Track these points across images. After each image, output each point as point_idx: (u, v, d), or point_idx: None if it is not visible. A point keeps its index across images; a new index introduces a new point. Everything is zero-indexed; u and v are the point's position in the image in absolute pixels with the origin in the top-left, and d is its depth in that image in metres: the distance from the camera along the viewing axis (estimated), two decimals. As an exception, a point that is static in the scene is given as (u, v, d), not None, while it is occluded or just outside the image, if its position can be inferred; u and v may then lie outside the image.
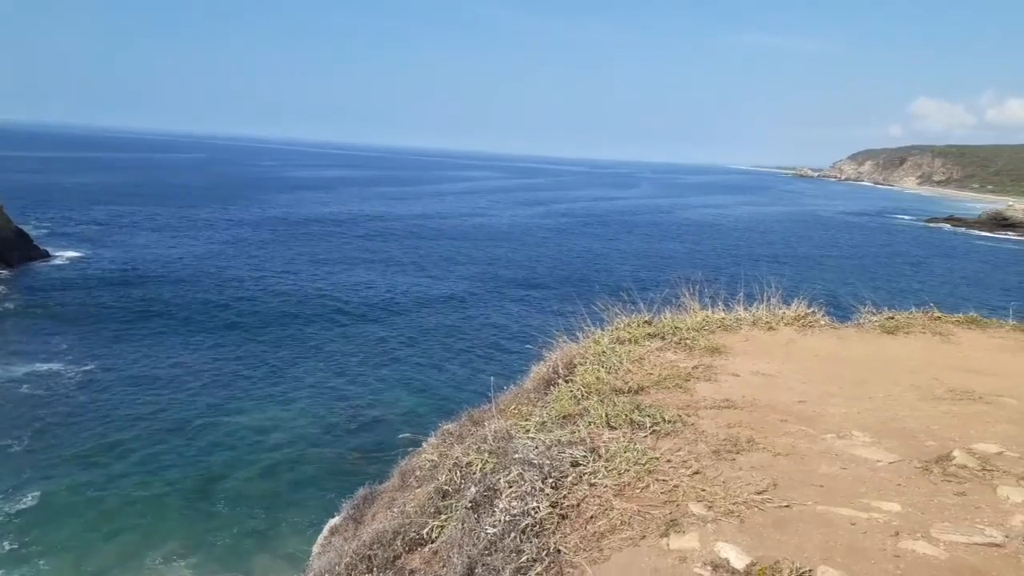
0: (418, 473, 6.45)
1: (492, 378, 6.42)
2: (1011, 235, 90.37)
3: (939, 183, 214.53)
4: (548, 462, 4.25)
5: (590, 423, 5.03)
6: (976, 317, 8.94)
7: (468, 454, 5.37)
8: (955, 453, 4.11)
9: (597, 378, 6.13)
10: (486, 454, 5.11)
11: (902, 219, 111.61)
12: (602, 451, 4.42)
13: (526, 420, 5.68)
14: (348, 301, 39.04)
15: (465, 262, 51.55)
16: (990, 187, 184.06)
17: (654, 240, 69.85)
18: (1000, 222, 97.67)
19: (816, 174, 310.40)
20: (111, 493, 19.04)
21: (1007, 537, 3.10)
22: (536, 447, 4.61)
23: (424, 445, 7.21)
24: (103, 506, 18.53)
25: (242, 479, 19.95)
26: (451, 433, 6.73)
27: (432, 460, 6.12)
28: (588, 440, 4.62)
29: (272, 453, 21.34)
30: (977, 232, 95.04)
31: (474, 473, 4.82)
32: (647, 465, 4.11)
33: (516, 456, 4.54)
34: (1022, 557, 2.93)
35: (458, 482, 4.96)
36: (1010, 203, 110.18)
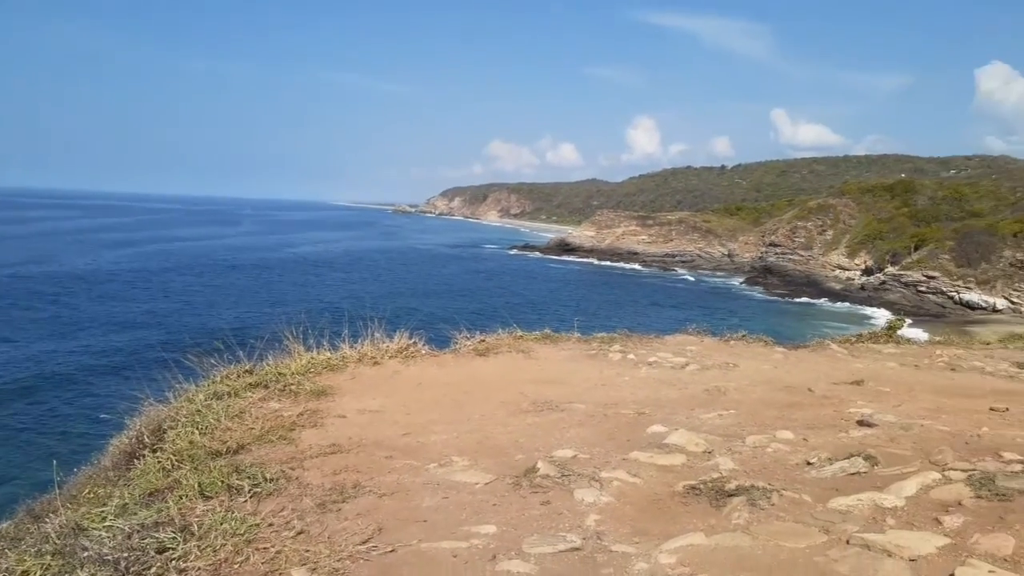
0: (-42, 597, 5.11)
1: (55, 461, 5.37)
2: (573, 258, 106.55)
3: (516, 216, 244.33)
4: (127, 555, 3.63)
5: (181, 497, 4.46)
6: (549, 333, 10.17)
7: (24, 560, 4.39)
8: (539, 464, 4.49)
9: (191, 442, 5.51)
10: (48, 556, 4.21)
11: (489, 248, 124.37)
12: (195, 528, 3.93)
13: (103, 505, 4.83)
14: None
15: (20, 326, 42.96)
16: (555, 218, 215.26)
17: (259, 280, 67.42)
18: (564, 248, 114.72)
19: (414, 210, 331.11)
20: None
21: (584, 539, 3.42)
22: (114, 538, 3.92)
23: (-32, 557, 5.76)
24: None
25: None
26: (4, 536, 5.47)
27: (-24, 577, 4.88)
28: (179, 518, 4.07)
29: None
30: (549, 256, 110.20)
31: (31, 585, 3.92)
32: (246, 535, 3.74)
33: (86, 554, 3.81)
34: (597, 556, 3.25)
35: (10, 600, 3.99)
36: (570, 231, 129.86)
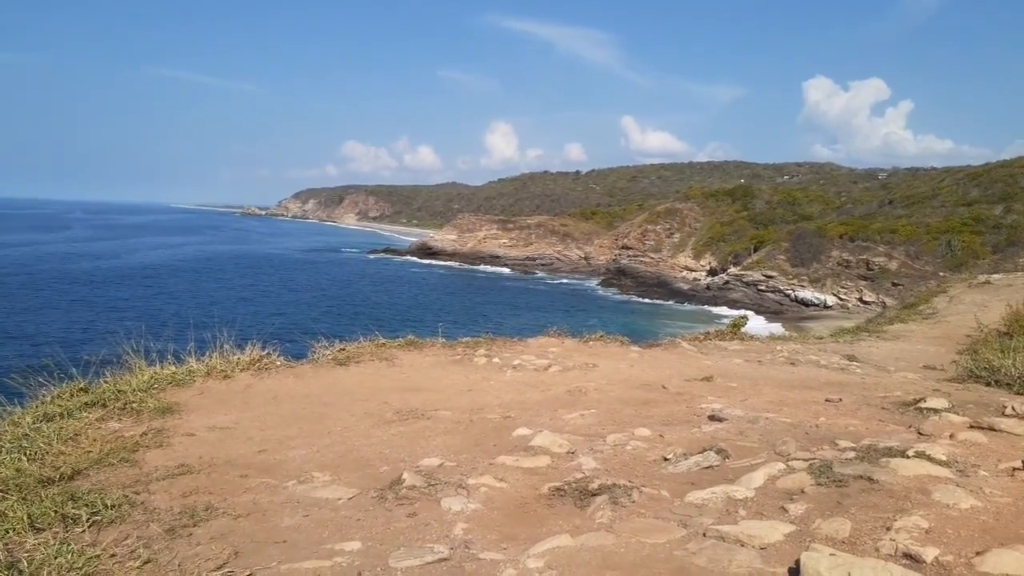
0: None
1: None
2: (436, 261, 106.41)
3: (374, 219, 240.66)
4: (-61, 603, 3.22)
5: (8, 531, 4.03)
6: (414, 339, 10.05)
7: None
8: (405, 475, 4.41)
9: (17, 470, 4.98)
10: None
11: (348, 252, 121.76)
12: (25, 564, 3.56)
13: (-91, 547, 4.29)
14: None
15: None
16: (415, 221, 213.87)
17: (95, 290, 62.50)
18: (426, 251, 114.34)
19: (264, 212, 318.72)
20: None
21: (452, 549, 3.39)
22: (-78, 584, 3.48)
23: None
24: None
25: None
26: None
27: None
28: (4, 555, 3.67)
29: None
30: (410, 260, 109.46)
31: None
32: (85, 568, 3.43)
33: None
34: (465, 564, 3.22)
35: None
36: (431, 234, 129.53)
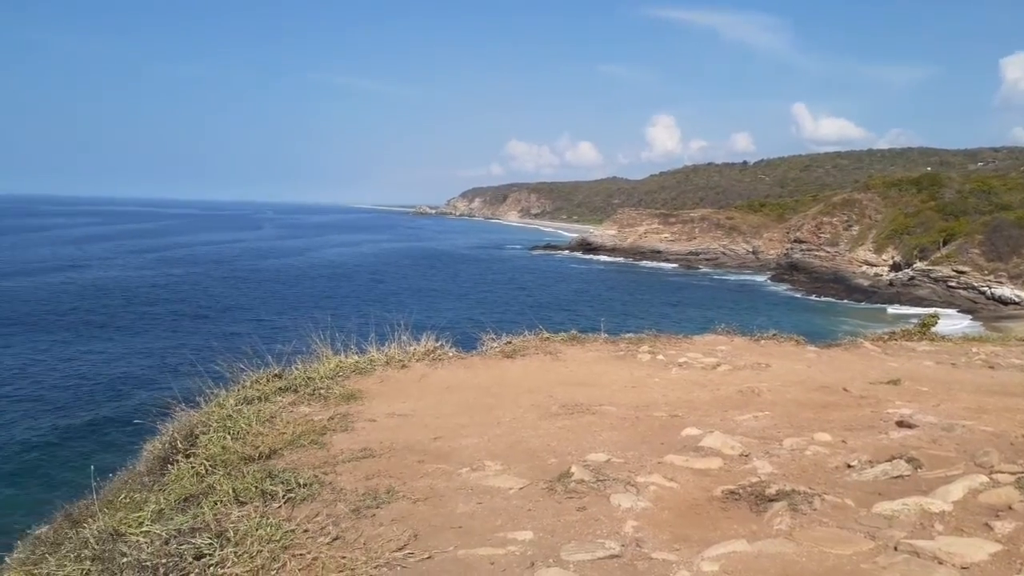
0: (-1, 601, 5.17)
1: (92, 467, 5.41)
2: (596, 257, 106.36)
3: (536, 216, 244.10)
4: (165, 561, 3.63)
5: (216, 502, 4.46)
6: (576, 334, 10.09)
7: (64, 566, 4.42)
8: (573, 468, 4.43)
9: (223, 447, 5.53)
10: (88, 562, 4.23)
11: (511, 249, 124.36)
12: (231, 534, 3.93)
13: (140, 511, 4.86)
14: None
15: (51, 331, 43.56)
16: (575, 217, 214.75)
17: (284, 284, 67.92)
18: (586, 247, 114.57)
19: (434, 211, 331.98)
20: None
21: (623, 546, 3.37)
22: (151, 544, 3.94)
23: (7, 561, 5.82)
24: None
25: None
26: (44, 541, 5.52)
27: (16, 582, 4.93)
28: (214, 524, 4.07)
29: None
30: (571, 256, 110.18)
31: (71, 591, 3.95)
32: (282, 541, 3.73)
33: (125, 560, 3.83)
34: (637, 563, 3.19)
35: (51, 606, 4.02)
36: (591, 230, 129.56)
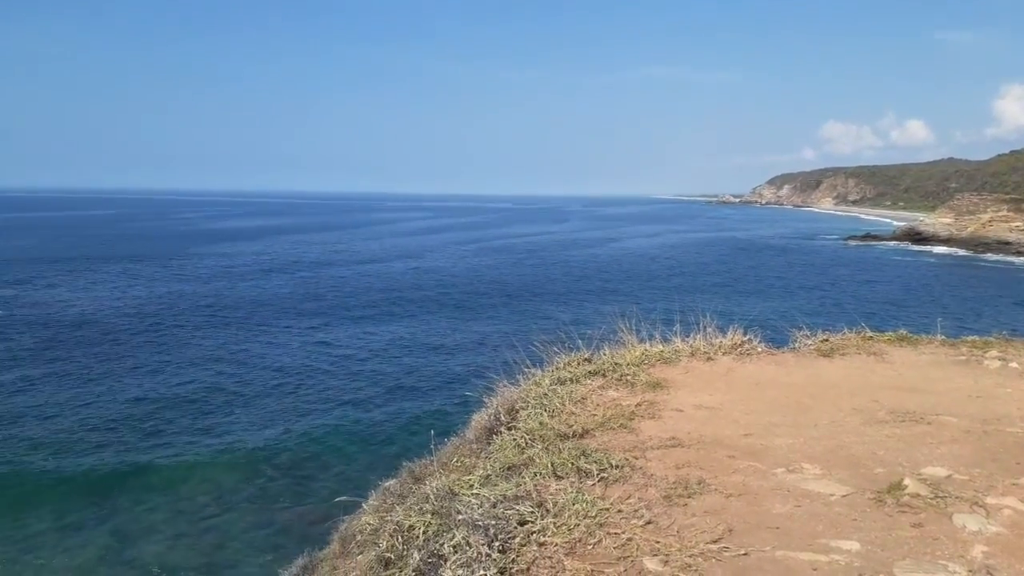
0: (359, 538, 6.10)
1: (432, 431, 6.15)
2: (926, 248, 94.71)
3: (854, 202, 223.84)
4: (494, 522, 4.00)
5: (536, 474, 4.81)
6: (906, 334, 9.11)
7: (410, 516, 5.07)
8: (906, 481, 4.04)
9: (540, 423, 5.92)
10: (428, 515, 4.82)
11: (824, 239, 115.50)
12: (550, 505, 4.21)
13: (469, 474, 5.42)
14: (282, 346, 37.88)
15: (408, 302, 50.49)
16: (901, 204, 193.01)
17: (589, 273, 70.38)
18: (914, 237, 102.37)
19: (738, 200, 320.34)
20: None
21: (971, 572, 3.00)
22: (481, 505, 4.37)
23: (364, 506, 6.85)
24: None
25: (159, 541, 18.62)
26: (392, 492, 6.40)
27: (372, 524, 5.78)
28: (535, 493, 4.39)
29: (194, 514, 20.07)
30: (895, 246, 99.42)
31: (416, 538, 4.53)
32: (597, 518, 3.91)
33: (460, 517, 4.29)
34: (989, 594, 2.83)
35: (400, 549, 4.64)
36: (920, 218, 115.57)
